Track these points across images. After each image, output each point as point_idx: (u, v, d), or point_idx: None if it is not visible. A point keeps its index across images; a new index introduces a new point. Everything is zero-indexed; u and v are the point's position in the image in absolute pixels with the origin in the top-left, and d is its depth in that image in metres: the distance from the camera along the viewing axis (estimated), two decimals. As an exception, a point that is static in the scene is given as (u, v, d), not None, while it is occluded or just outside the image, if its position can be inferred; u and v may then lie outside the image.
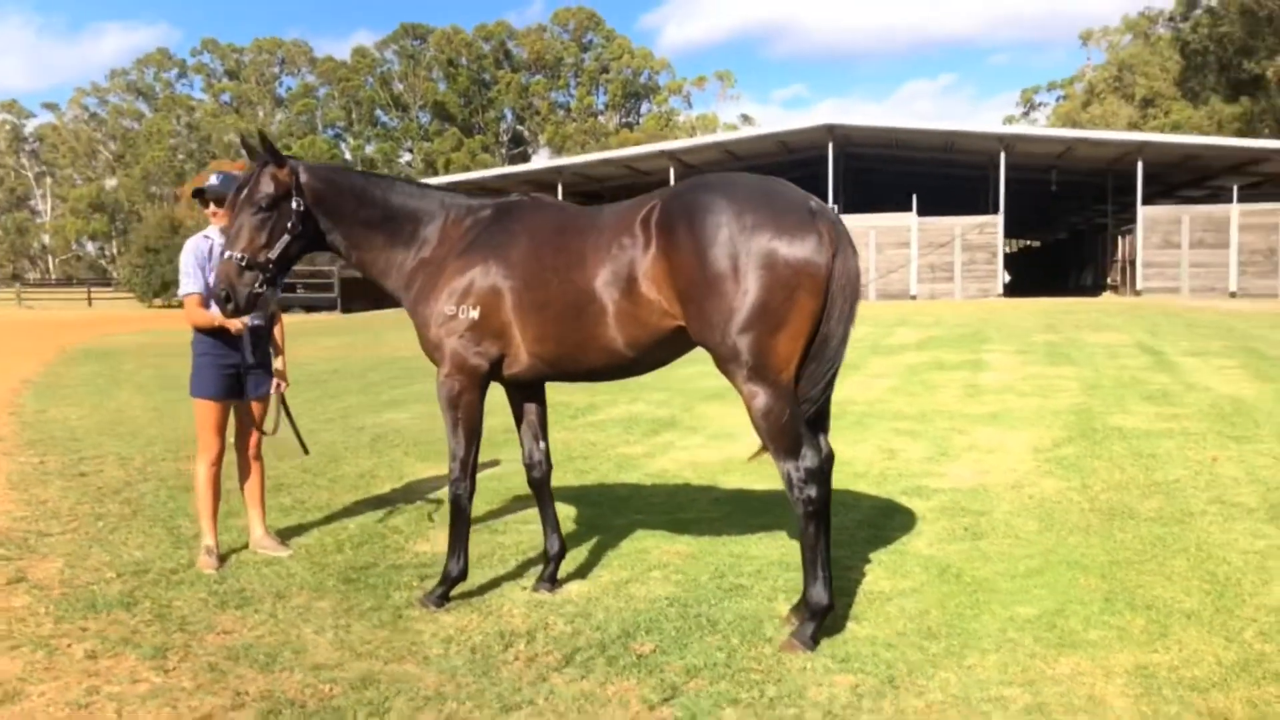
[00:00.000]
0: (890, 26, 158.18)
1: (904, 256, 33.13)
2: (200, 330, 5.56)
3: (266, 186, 4.70)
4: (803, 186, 4.47)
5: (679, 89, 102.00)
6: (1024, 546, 5.51)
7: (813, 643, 4.13)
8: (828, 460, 4.40)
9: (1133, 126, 63.15)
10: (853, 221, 31.62)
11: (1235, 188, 31.03)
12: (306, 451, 6.23)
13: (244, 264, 4.67)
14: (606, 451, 8.64)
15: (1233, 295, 30.01)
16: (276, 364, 5.75)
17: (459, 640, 4.36)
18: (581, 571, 5.26)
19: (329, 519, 6.48)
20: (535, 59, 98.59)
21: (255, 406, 5.73)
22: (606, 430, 9.59)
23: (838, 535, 5.77)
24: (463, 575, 4.86)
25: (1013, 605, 4.59)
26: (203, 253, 5.55)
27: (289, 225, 4.74)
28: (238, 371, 5.57)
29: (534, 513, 6.50)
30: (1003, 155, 31.70)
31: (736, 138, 35.86)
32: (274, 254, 4.73)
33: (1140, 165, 30.56)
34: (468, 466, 4.78)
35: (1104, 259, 37.43)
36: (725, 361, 4.19)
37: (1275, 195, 31.28)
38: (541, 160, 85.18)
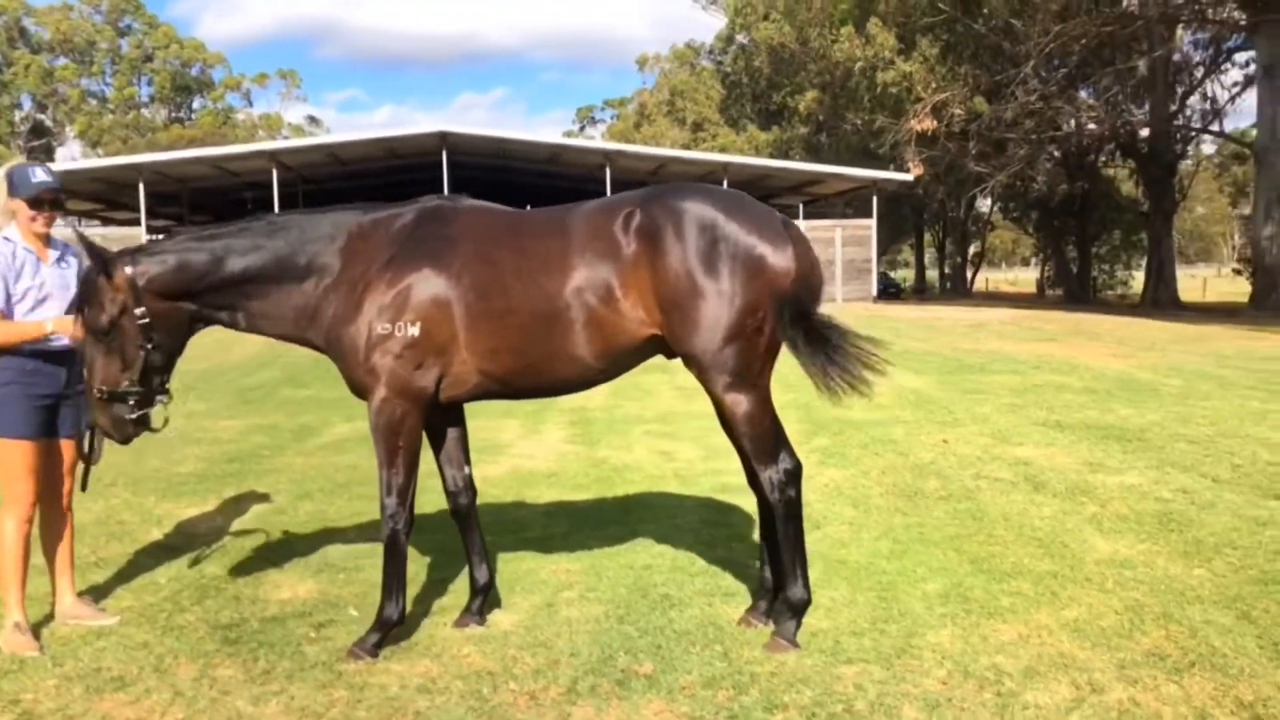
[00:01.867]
0: (440, 36, 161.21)
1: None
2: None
3: (99, 307, 4.12)
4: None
5: (237, 85, 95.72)
6: (866, 531, 6.06)
7: (796, 640, 4.28)
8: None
9: (685, 147, 69.42)
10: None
11: (801, 205, 35.50)
12: (84, 488, 5.13)
13: (107, 398, 4.14)
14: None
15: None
16: None
17: (435, 689, 3.99)
18: (490, 600, 4.97)
19: (122, 576, 5.50)
20: (61, 40, 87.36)
21: (66, 446, 4.74)
22: (353, 451, 8.96)
23: (711, 536, 5.99)
24: (401, 619, 4.41)
25: (917, 584, 5.07)
26: (4, 258, 4.49)
27: (140, 343, 4.17)
28: (55, 403, 4.58)
29: (372, 547, 6.00)
30: (607, 170, 33.59)
31: (343, 140, 34.37)
32: (136, 374, 4.19)
33: (726, 183, 33.85)
34: (406, 499, 4.35)
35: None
36: (707, 369, 4.21)
37: (826, 213, 36.19)
38: (78, 155, 76.12)
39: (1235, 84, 43.69)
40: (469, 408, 4.75)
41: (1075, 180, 42.66)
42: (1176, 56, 42.98)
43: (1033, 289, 57.34)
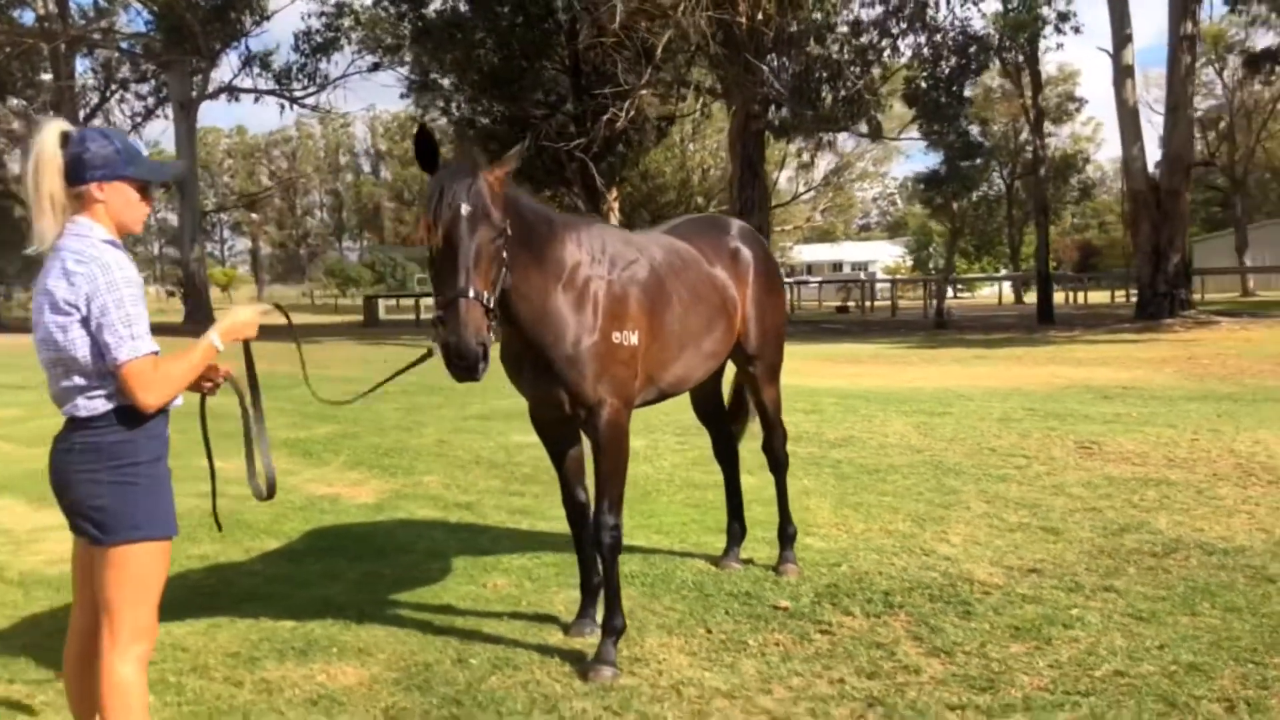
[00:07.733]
0: None
1: None
2: (149, 411, 2.89)
3: (497, 202, 3.70)
4: None
5: None
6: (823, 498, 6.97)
7: (796, 560, 5.38)
8: None
9: None
10: None
11: None
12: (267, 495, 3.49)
13: (485, 303, 3.62)
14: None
15: None
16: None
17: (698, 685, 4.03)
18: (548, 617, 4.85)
19: None
20: None
21: (126, 555, 2.95)
22: None
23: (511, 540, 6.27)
24: (624, 627, 4.36)
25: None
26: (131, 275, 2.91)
27: (501, 254, 3.76)
28: None
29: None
30: None
31: None
32: (496, 292, 3.74)
33: None
34: (621, 510, 4.39)
35: None
36: (755, 365, 5.24)
37: None
38: None
39: (137, 114, 45.88)
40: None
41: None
42: (81, 79, 43.33)
43: None
